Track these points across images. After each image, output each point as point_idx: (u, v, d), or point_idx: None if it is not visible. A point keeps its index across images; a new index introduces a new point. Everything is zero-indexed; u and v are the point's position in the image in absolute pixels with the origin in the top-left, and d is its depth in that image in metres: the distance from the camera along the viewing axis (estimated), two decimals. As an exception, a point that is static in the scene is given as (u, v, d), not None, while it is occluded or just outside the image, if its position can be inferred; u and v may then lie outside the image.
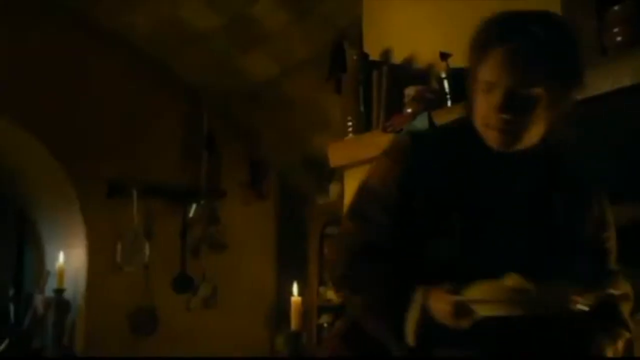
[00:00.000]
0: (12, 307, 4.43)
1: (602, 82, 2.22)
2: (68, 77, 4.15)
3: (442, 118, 2.63)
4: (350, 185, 2.98)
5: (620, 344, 1.59)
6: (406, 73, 3.01)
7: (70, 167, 4.19)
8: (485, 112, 1.50)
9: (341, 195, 3.41)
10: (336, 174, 3.83)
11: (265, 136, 4.62)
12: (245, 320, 4.47)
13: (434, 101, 2.78)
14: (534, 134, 1.51)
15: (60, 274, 4.18)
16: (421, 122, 2.70)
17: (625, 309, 1.60)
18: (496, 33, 1.49)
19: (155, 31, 4.21)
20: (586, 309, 1.40)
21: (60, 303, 4.21)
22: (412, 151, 1.63)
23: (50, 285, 4.36)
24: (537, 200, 1.58)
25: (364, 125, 3.00)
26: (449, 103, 2.74)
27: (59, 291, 4.18)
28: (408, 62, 3.09)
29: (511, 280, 1.38)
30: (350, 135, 3.01)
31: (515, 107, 1.45)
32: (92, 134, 4.22)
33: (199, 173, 4.47)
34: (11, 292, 4.48)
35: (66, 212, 4.32)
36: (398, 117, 2.79)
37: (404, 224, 1.55)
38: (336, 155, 3.02)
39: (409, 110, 2.79)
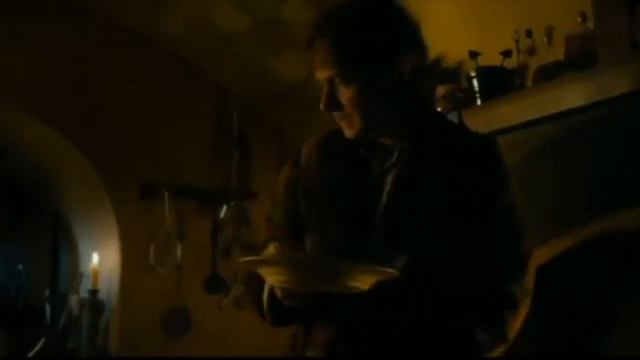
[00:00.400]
0: (48, 308, 4.50)
1: (633, 78, 2.20)
2: (100, 80, 4.20)
3: (472, 117, 2.64)
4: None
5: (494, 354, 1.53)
6: (435, 72, 3.00)
7: (103, 170, 4.24)
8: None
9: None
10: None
11: (295, 137, 4.63)
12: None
13: (464, 100, 2.77)
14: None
15: (95, 275, 4.25)
16: (451, 121, 2.70)
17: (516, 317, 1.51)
18: (308, 33, 1.57)
19: (186, 34, 4.24)
20: (362, 287, 1.39)
21: (94, 304, 4.27)
22: (300, 153, 1.71)
23: (85, 286, 4.43)
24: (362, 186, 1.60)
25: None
26: (478, 102, 2.73)
27: (93, 292, 4.25)
28: (437, 61, 3.08)
29: (273, 248, 1.45)
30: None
31: (336, 102, 1.52)
32: (124, 136, 4.27)
33: (230, 174, 4.50)
34: (47, 292, 4.56)
35: (99, 214, 4.38)
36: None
37: (295, 222, 1.65)
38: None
39: (439, 110, 2.79)
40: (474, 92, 2.76)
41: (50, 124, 4.11)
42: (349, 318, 1.52)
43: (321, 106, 1.55)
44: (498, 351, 1.53)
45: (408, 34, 1.55)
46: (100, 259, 4.27)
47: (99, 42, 4.21)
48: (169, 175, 4.34)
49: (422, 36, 1.58)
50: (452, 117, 2.69)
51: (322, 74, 1.55)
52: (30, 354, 1.38)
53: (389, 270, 1.39)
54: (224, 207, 4.45)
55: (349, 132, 1.56)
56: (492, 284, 1.49)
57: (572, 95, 2.46)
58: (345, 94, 1.52)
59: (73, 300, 4.38)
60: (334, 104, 1.54)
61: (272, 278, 1.44)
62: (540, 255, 2.66)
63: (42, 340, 1.39)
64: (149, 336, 4.22)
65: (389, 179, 1.57)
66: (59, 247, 4.84)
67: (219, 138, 4.53)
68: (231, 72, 4.46)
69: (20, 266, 4.42)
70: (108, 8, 4.11)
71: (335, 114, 1.56)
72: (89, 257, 4.42)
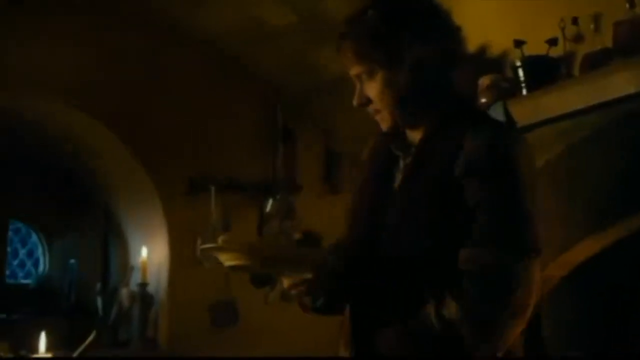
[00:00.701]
0: (99, 301, 4.59)
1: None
2: (148, 76, 4.26)
3: (518, 107, 2.61)
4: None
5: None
6: (480, 62, 2.98)
7: (150, 165, 4.30)
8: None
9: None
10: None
11: (340, 129, 4.64)
12: (323, 313, 4.48)
13: (509, 90, 2.74)
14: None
15: (144, 269, 4.32)
16: (496, 112, 2.68)
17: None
18: (339, 34, 1.70)
19: (231, 29, 4.27)
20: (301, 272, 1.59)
21: (143, 297, 4.34)
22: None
23: (135, 279, 4.50)
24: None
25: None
26: (524, 91, 2.70)
27: (143, 285, 4.32)
28: (481, 51, 3.06)
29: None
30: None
31: (362, 96, 1.65)
32: (171, 131, 4.32)
33: (275, 167, 4.53)
34: (98, 286, 4.64)
35: (148, 208, 4.45)
36: (472, 107, 2.76)
37: None
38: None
39: (484, 100, 2.77)
40: (520, 82, 2.73)
41: (99, 120, 4.18)
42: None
43: (353, 101, 1.68)
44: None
45: (417, 21, 1.62)
46: (149, 253, 4.33)
47: (146, 38, 4.26)
48: (216, 169, 4.39)
49: (447, 23, 1.64)
50: (498, 107, 2.66)
51: (351, 72, 1.67)
52: (82, 347, 1.44)
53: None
54: (270, 201, 4.47)
55: (382, 126, 1.67)
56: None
57: (621, 83, 2.41)
58: (370, 90, 1.63)
59: (123, 293, 4.45)
60: (362, 99, 1.66)
61: (226, 262, 1.64)
62: (586, 248, 2.62)
63: (94, 333, 1.44)
64: (197, 329, 4.27)
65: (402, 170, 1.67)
66: (110, 241, 4.93)
67: (264, 131, 4.56)
68: (276, 66, 4.48)
69: (73, 260, 4.50)
70: (154, 4, 4.16)
71: (369, 109, 1.66)
72: (139, 251, 4.50)
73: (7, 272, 4.90)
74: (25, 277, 4.96)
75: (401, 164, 1.69)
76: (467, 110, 1.68)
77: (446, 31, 1.63)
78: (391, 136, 1.69)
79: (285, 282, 1.68)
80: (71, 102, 4.09)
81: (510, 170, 1.50)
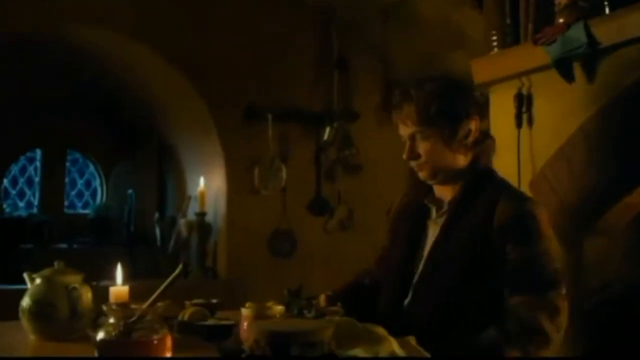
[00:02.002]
0: (158, 231, 4.63)
1: None
2: (204, 6, 4.18)
3: (599, 27, 2.48)
4: (496, 102, 2.88)
5: None
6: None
7: (207, 94, 4.25)
8: None
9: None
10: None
11: (396, 56, 4.53)
12: (381, 241, 4.46)
13: (589, 9, 2.60)
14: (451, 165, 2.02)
15: (202, 199, 4.32)
16: (577, 32, 2.55)
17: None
18: (395, 100, 2.05)
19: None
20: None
21: (202, 226, 4.35)
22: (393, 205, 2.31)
23: (192, 209, 4.51)
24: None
25: (511, 39, 2.86)
26: (606, 10, 2.56)
27: (201, 215, 4.33)
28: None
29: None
30: (496, 50, 2.88)
31: (417, 153, 2.00)
32: (227, 60, 4.26)
33: (332, 96, 4.45)
34: (156, 216, 4.67)
35: (205, 138, 4.42)
36: (550, 28, 2.63)
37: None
38: (481, 72, 2.90)
39: (561, 21, 2.63)
40: (602, 0, 2.58)
41: (156, 50, 4.12)
42: None
43: (404, 156, 2.03)
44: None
45: (473, 105, 2.02)
46: (206, 183, 4.33)
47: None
48: (272, 97, 4.33)
49: (484, 107, 2.10)
50: (578, 28, 2.54)
51: (406, 131, 2.02)
52: (170, 278, 1.42)
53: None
54: (327, 129, 4.41)
55: (421, 175, 2.04)
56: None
57: None
58: (422, 147, 2.00)
59: (181, 223, 4.48)
60: (413, 155, 2.01)
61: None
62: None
63: (181, 266, 1.41)
64: (255, 257, 4.29)
65: (437, 225, 2.02)
66: (165, 171, 4.94)
67: (320, 59, 4.46)
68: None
69: (131, 190, 4.52)
70: None
71: (412, 162, 2.03)
72: (195, 181, 4.50)
73: (66, 203, 4.96)
74: (84, 208, 5.02)
75: (433, 214, 2.06)
76: (491, 176, 2.06)
77: (482, 113, 2.09)
78: (421, 193, 2.10)
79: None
80: (128, 31, 4.03)
81: (538, 233, 1.91)
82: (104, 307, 1.87)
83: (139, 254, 4.43)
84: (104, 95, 4.77)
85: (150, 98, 4.71)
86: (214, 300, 2.26)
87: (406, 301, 2.01)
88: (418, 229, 2.09)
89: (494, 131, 2.61)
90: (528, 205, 1.95)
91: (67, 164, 4.98)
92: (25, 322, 2.01)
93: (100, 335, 1.49)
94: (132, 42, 4.08)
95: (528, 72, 2.72)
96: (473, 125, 2.00)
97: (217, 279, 4.33)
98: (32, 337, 2.02)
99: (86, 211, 4.94)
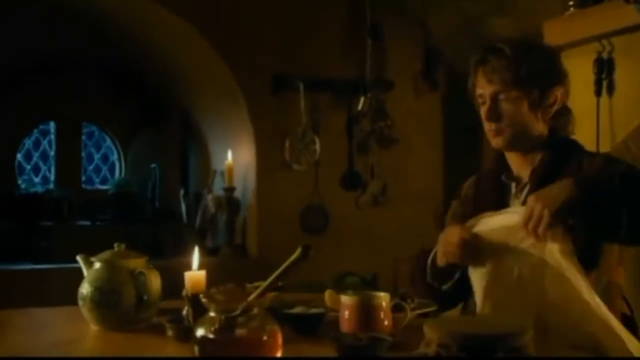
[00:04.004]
0: (183, 207, 4.43)
1: None
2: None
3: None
4: (572, 68, 2.68)
5: None
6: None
7: (234, 64, 4.03)
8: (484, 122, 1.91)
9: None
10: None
11: (430, 25, 4.31)
12: (416, 217, 4.30)
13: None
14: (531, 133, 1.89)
15: (230, 173, 4.12)
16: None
17: None
18: (479, 55, 1.90)
19: None
20: None
21: (230, 202, 4.16)
22: (462, 189, 2.17)
23: (218, 184, 4.31)
24: None
25: (589, -1, 2.67)
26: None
27: (229, 190, 4.13)
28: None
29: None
30: (572, 10, 2.68)
31: (499, 115, 1.86)
32: (255, 30, 4.04)
33: (365, 64, 4.23)
34: (182, 191, 4.48)
35: (231, 109, 4.21)
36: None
37: None
38: (555, 34, 2.70)
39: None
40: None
41: (180, 17, 3.89)
42: None
43: (483, 116, 1.89)
44: None
45: (561, 72, 1.93)
46: (234, 156, 4.13)
47: None
48: (302, 66, 4.12)
49: (569, 79, 1.94)
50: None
51: (488, 89, 1.87)
52: (287, 263, 1.29)
53: None
54: (361, 99, 4.20)
55: (495, 141, 1.91)
56: None
57: None
58: (506, 109, 1.86)
59: (209, 198, 4.28)
60: (495, 116, 1.87)
61: None
62: None
63: (300, 249, 1.29)
64: (287, 233, 4.09)
65: (519, 200, 1.89)
66: (189, 145, 4.73)
67: (353, 27, 4.24)
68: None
69: (154, 165, 4.31)
70: None
71: (487, 124, 1.89)
72: (220, 155, 4.30)
73: (83, 178, 4.74)
74: (102, 183, 4.80)
75: (513, 190, 1.94)
76: (576, 147, 1.95)
77: (568, 83, 1.95)
78: (496, 171, 1.98)
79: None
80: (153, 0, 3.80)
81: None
82: (183, 294, 1.68)
83: (165, 231, 4.23)
84: (122, 64, 4.53)
85: (173, 67, 4.47)
86: (280, 284, 2.08)
87: None
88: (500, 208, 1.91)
89: (569, 99, 2.42)
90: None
91: (83, 137, 4.76)
92: (85, 311, 1.83)
93: (200, 332, 1.31)
94: (155, 6, 3.84)
95: (610, 34, 2.54)
96: (559, 93, 1.90)
97: (247, 257, 4.15)
98: (93, 327, 1.83)
99: (105, 187, 4.72)
